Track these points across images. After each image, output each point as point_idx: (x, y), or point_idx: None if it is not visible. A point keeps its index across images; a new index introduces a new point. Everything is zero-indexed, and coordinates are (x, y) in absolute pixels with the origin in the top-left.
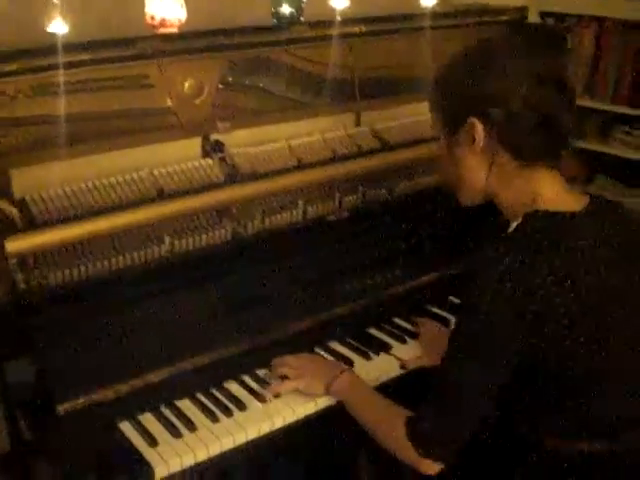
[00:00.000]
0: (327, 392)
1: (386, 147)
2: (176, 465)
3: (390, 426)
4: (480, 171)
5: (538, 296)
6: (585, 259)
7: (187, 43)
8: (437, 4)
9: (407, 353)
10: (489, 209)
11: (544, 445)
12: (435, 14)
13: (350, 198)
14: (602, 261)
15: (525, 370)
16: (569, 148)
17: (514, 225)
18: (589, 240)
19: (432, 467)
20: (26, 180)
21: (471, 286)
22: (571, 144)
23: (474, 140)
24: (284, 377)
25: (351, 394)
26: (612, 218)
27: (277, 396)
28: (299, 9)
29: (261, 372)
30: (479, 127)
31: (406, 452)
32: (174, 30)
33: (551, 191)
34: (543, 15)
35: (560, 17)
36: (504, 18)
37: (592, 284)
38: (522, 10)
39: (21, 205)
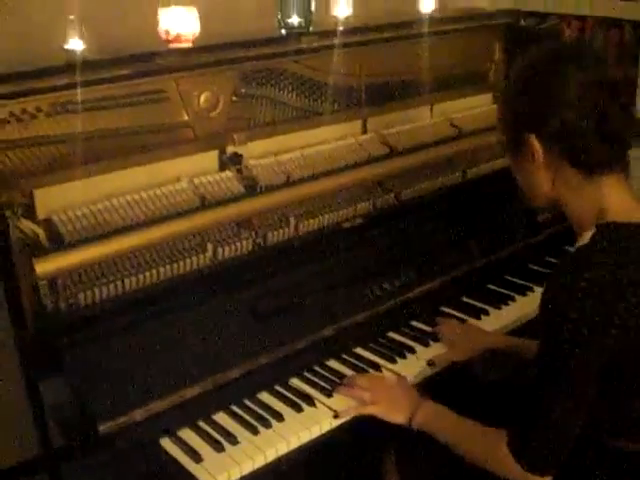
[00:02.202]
0: (409, 423)
1: (394, 153)
2: None
3: (490, 448)
4: (545, 184)
5: (620, 310)
6: None
7: (202, 57)
8: (435, 10)
9: (431, 355)
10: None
11: (603, 443)
12: (435, 20)
13: (363, 204)
14: None
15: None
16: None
17: (588, 236)
18: None
19: None
20: (50, 200)
21: (553, 304)
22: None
23: (534, 156)
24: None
25: (438, 424)
26: None
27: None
28: (308, 19)
29: (293, 381)
30: (536, 144)
31: (512, 470)
32: (189, 44)
33: (619, 200)
34: (525, 16)
35: (541, 17)
36: (499, 21)
37: None
38: (515, 13)
39: (47, 225)
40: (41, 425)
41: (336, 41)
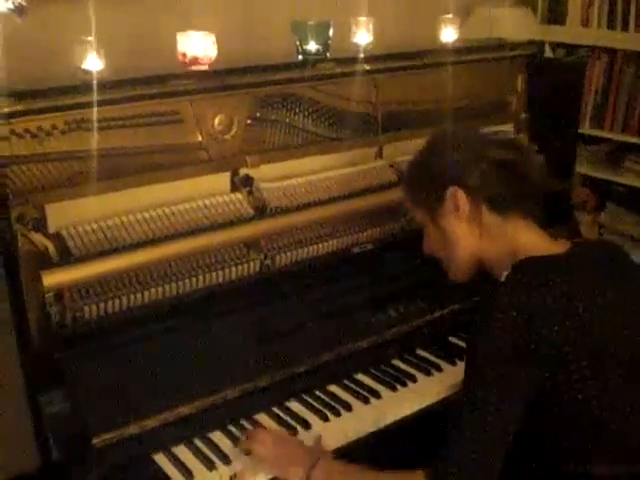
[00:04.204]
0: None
1: None
2: None
3: None
4: (469, 235)
5: (536, 325)
6: (577, 289)
7: (218, 80)
8: (456, 40)
9: (433, 383)
10: None
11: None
12: (455, 50)
13: (374, 230)
14: (593, 289)
15: (548, 405)
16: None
17: (505, 274)
18: (578, 272)
19: None
20: (61, 215)
21: (473, 326)
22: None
23: (459, 207)
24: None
25: (338, 477)
26: (598, 253)
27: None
28: (325, 46)
29: (291, 404)
30: (460, 193)
31: None
32: (205, 67)
33: (532, 240)
34: (554, 46)
35: (571, 48)
36: (522, 52)
37: (586, 311)
38: (539, 45)
39: (57, 239)
40: (41, 438)
41: (353, 68)
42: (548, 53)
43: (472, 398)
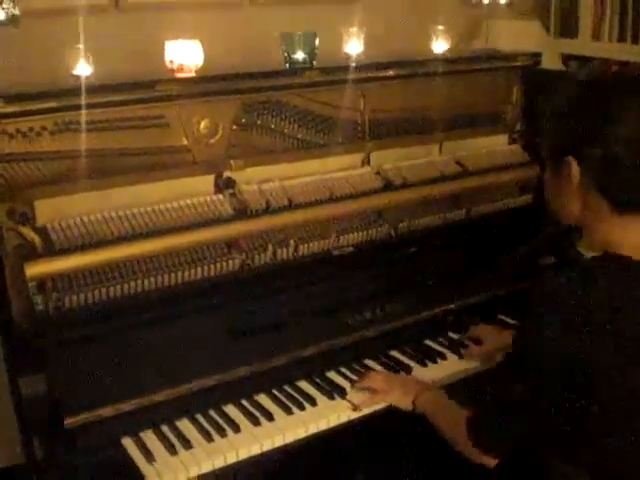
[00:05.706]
0: (414, 406)
1: (391, 187)
2: None
3: (456, 427)
4: (574, 205)
5: (593, 325)
6: None
7: (204, 87)
8: (449, 50)
9: None
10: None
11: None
12: (446, 60)
13: (355, 235)
14: None
15: (570, 402)
16: None
17: (590, 255)
18: None
19: (489, 461)
20: (49, 210)
21: (533, 301)
22: None
23: (571, 180)
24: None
25: (434, 407)
26: None
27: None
28: (312, 55)
29: (259, 397)
30: (574, 167)
31: (468, 448)
32: (191, 74)
33: (637, 239)
34: (566, 58)
35: (583, 60)
36: (517, 64)
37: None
38: (535, 56)
39: (42, 232)
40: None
41: (337, 77)
42: (560, 65)
43: (510, 367)
